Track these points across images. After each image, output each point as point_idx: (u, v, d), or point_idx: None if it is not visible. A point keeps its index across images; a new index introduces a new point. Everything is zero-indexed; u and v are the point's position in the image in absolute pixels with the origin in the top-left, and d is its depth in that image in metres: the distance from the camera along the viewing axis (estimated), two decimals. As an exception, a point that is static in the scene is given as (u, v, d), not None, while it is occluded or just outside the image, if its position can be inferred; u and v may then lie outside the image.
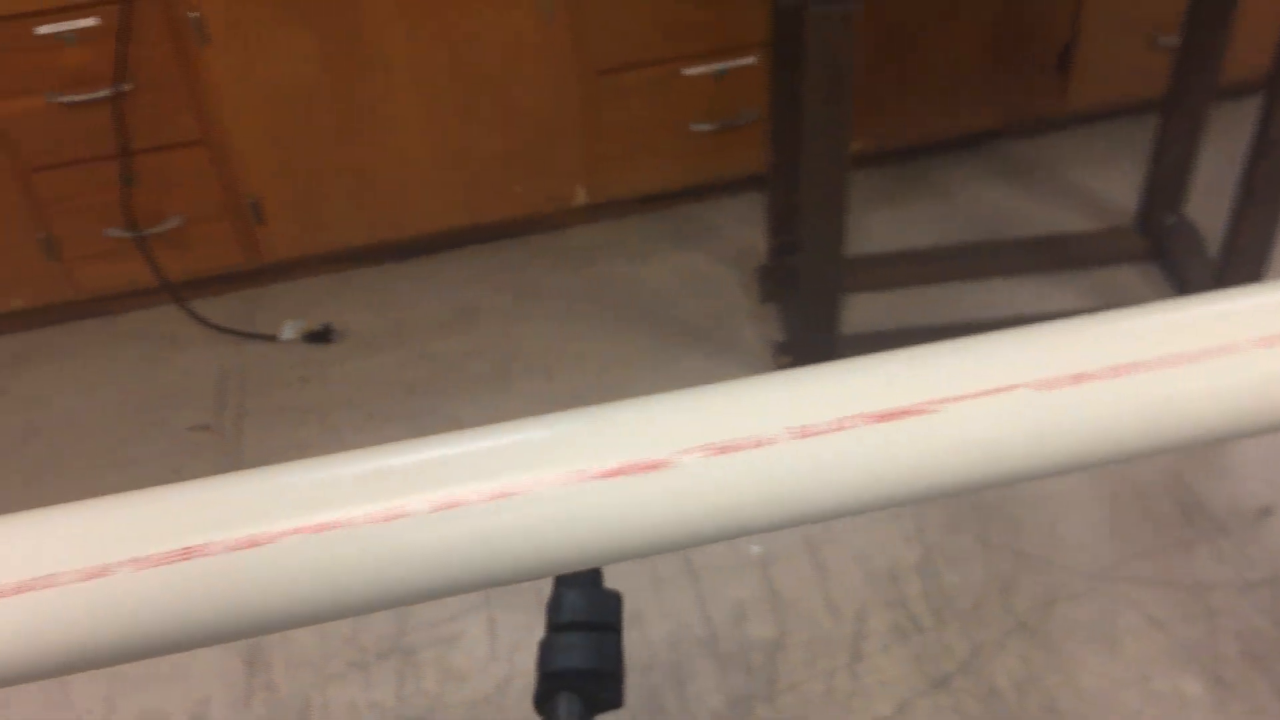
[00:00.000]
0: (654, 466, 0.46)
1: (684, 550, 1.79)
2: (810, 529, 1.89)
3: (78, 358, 2.29)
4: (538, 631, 1.77)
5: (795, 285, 2.20)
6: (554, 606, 0.77)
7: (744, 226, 2.50)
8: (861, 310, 2.21)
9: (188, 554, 0.44)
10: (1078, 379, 0.46)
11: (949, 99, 2.48)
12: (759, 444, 0.47)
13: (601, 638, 0.75)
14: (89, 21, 1.92)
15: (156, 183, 2.13)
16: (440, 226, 2.35)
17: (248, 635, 0.47)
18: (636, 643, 1.75)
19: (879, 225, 2.45)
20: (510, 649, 1.76)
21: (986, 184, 2.59)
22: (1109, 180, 2.53)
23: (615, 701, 0.74)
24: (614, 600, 0.78)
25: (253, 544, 0.45)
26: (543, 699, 0.73)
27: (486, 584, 0.48)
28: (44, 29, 1.92)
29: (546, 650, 0.74)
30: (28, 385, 2.23)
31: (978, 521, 1.88)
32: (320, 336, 2.28)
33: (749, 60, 2.26)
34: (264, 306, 2.37)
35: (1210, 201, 2.21)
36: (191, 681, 1.74)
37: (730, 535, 0.48)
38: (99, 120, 2.02)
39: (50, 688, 1.74)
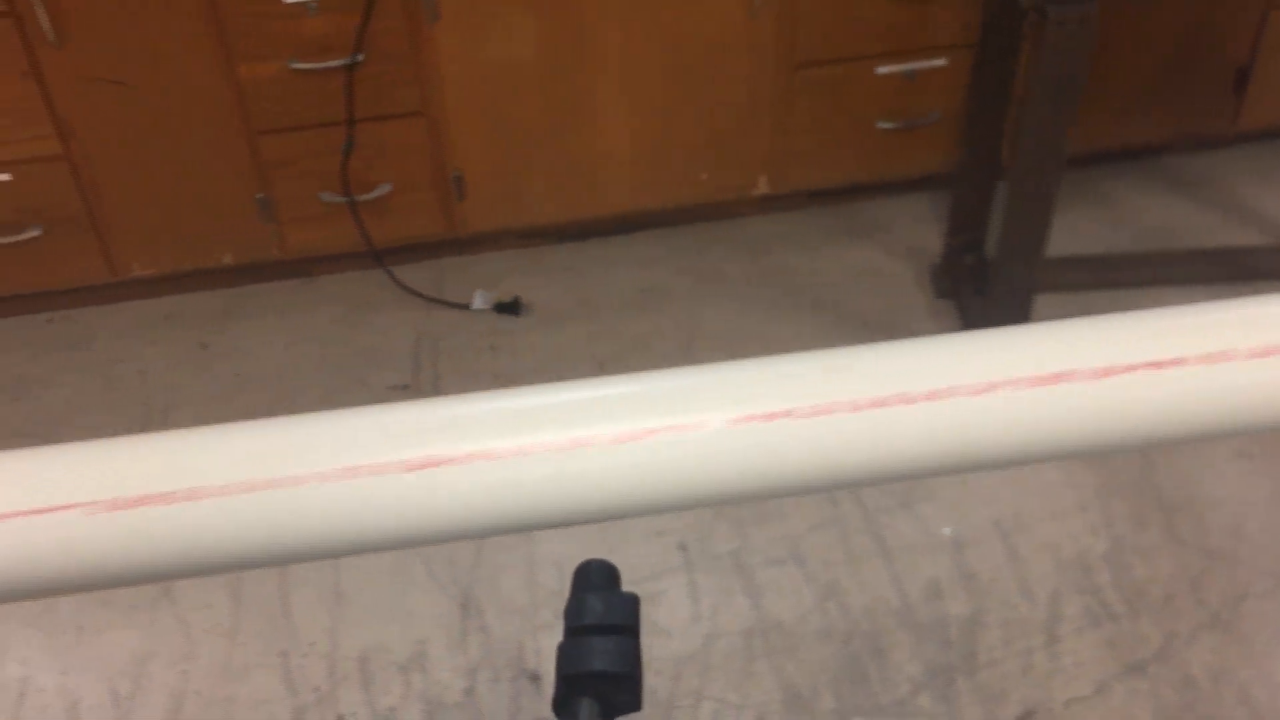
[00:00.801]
0: (819, 411, 0.53)
1: (873, 528, 1.86)
2: (1000, 517, 1.95)
3: (280, 315, 2.40)
4: (738, 596, 1.84)
5: (974, 282, 2.27)
6: (572, 610, 0.76)
7: (916, 224, 2.57)
8: (1039, 312, 2.26)
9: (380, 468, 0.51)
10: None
11: (1123, 111, 2.53)
12: (905, 401, 0.54)
13: (620, 641, 0.75)
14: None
15: (372, 152, 2.23)
16: (628, 208, 2.44)
17: (444, 539, 0.54)
18: (835, 613, 1.82)
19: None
20: (712, 610, 1.83)
21: (1153, 196, 2.63)
22: (1278, 198, 2.57)
23: (634, 705, 0.74)
24: (632, 603, 0.77)
25: (483, 457, 0.53)
26: (562, 703, 0.73)
27: (652, 509, 0.55)
28: (292, -1, 2.04)
29: (565, 654, 0.74)
30: (233, 338, 2.35)
31: (1163, 517, 1.93)
32: (510, 308, 2.37)
33: (940, 62, 2.32)
34: (456, 276, 2.47)
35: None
36: (411, 622, 1.84)
37: (871, 481, 0.55)
38: (328, 88, 2.13)
39: (276, 619, 1.85)
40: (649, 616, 1.83)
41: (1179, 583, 1.85)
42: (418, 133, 2.23)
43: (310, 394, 2.22)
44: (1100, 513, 1.95)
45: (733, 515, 1.98)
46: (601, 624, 0.73)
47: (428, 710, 1.73)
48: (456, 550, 1.94)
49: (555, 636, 1.78)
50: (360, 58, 2.10)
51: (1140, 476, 2.01)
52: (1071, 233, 2.51)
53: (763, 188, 2.46)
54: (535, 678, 1.76)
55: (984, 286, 2.22)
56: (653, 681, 1.74)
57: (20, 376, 2.28)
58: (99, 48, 2.03)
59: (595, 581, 0.77)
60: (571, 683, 0.71)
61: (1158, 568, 1.87)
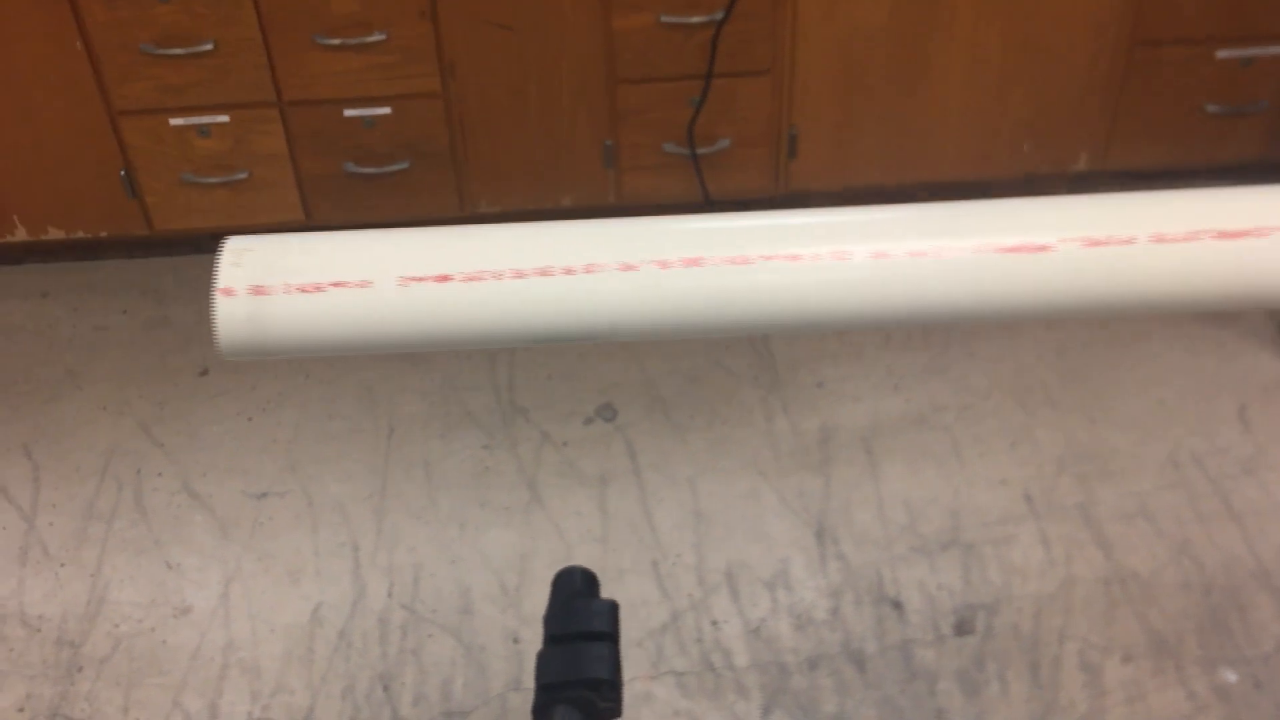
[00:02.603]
0: (1040, 249, 0.61)
1: (1221, 491, 1.89)
2: (1348, 490, 1.97)
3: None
4: (1089, 547, 1.89)
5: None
6: (551, 617, 0.77)
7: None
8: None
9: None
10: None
11: None
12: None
13: (600, 647, 0.75)
14: (713, -48, 2.15)
15: (718, 107, 2.35)
16: (950, 177, 2.51)
17: (730, 333, 0.63)
18: (1190, 569, 1.87)
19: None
20: (1065, 558, 1.90)
21: None
22: None
23: (614, 710, 0.75)
24: (611, 610, 0.77)
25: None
26: (541, 710, 0.73)
27: (899, 322, 0.63)
28: (676, -45, 2.16)
29: (544, 661, 0.74)
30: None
31: None
32: (829, 264, 2.46)
33: (1278, 49, 2.34)
34: (775, 232, 2.58)
35: None
36: (770, 544, 1.94)
37: (1085, 315, 0.63)
38: (689, 43, 2.25)
39: (643, 531, 1.97)
40: (1001, 558, 1.90)
41: None
42: (763, 90, 2.34)
43: (646, 332, 2.35)
44: None
45: (1075, 471, 2.03)
46: (581, 631, 0.75)
47: (797, 624, 1.83)
48: (805, 482, 2.03)
49: (910, 568, 1.87)
50: (723, 15, 2.22)
51: None
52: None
53: (1082, 164, 2.51)
54: (897, 605, 1.85)
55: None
56: (1015, 618, 1.82)
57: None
58: (495, -7, 2.18)
59: (576, 588, 0.79)
60: (551, 690, 0.73)
61: None
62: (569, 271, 0.61)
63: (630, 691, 1.75)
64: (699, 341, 2.32)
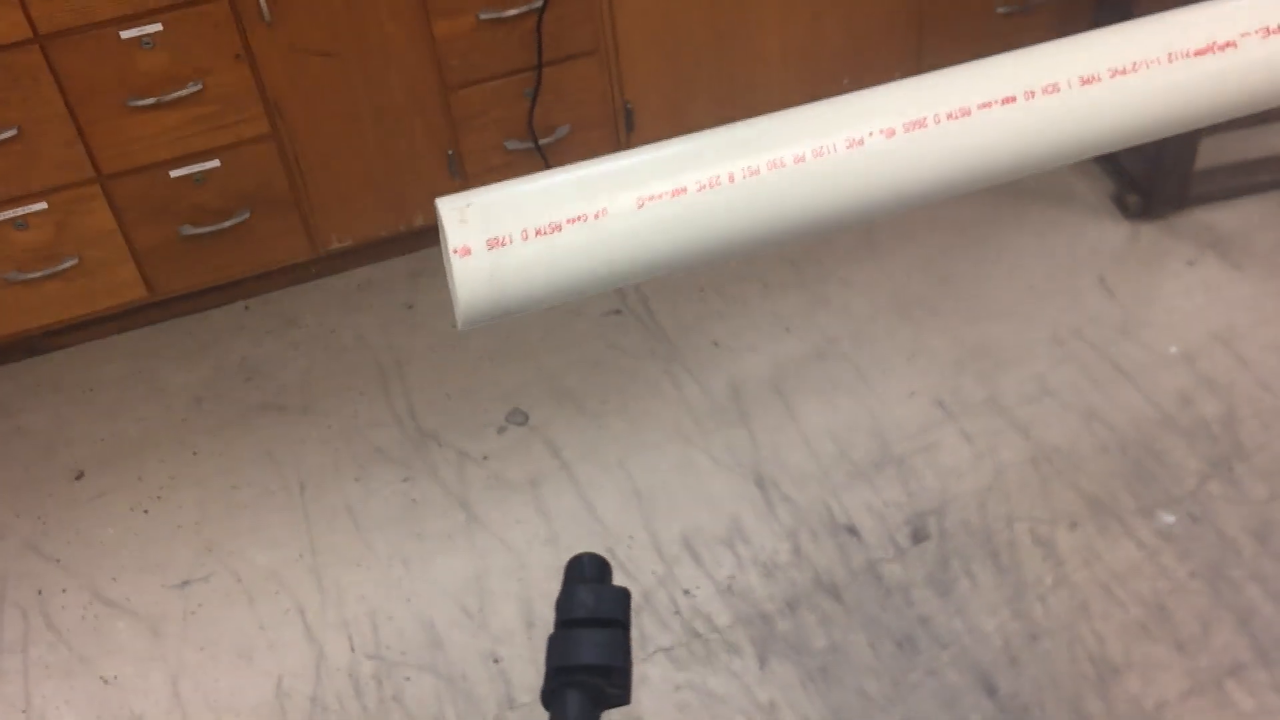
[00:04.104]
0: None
1: (1107, 357, 2.02)
2: (1215, 330, 2.12)
3: (472, 268, 2.50)
4: (1009, 438, 1.98)
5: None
6: (563, 602, 0.77)
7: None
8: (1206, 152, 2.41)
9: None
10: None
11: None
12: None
13: (610, 634, 0.75)
14: (522, -59, 2.14)
15: (551, 96, 2.34)
16: (781, 121, 2.57)
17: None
18: (1103, 432, 1.98)
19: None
20: (989, 449, 1.98)
21: None
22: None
23: (623, 698, 0.75)
24: (622, 596, 0.77)
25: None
26: (551, 694, 0.74)
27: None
28: (483, -49, 2.14)
29: (554, 646, 0.75)
30: (436, 294, 2.44)
31: (1359, 308, 2.13)
32: (689, 228, 2.49)
33: (1052, -57, 2.50)
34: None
35: None
36: (716, 503, 1.96)
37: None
38: (513, 36, 2.23)
39: (588, 523, 1.95)
40: (932, 464, 1.97)
41: (1396, 355, 2.04)
42: (593, 71, 2.34)
43: (533, 331, 2.32)
44: (1303, 312, 2.15)
45: (973, 369, 2.13)
46: (592, 617, 0.75)
47: (764, 572, 1.85)
48: (731, 438, 2.06)
49: (853, 494, 1.92)
50: (541, 3, 2.21)
51: (1324, 278, 2.21)
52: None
53: (898, 85, 2.61)
54: (853, 530, 1.89)
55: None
56: (963, 515, 1.89)
57: (245, 359, 2.34)
58: (309, 20, 2.10)
59: (587, 574, 0.80)
60: (560, 674, 0.73)
61: (1372, 347, 2.06)
62: (799, 159, 0.60)
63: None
64: (587, 329, 2.31)
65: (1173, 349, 2.11)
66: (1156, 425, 1.99)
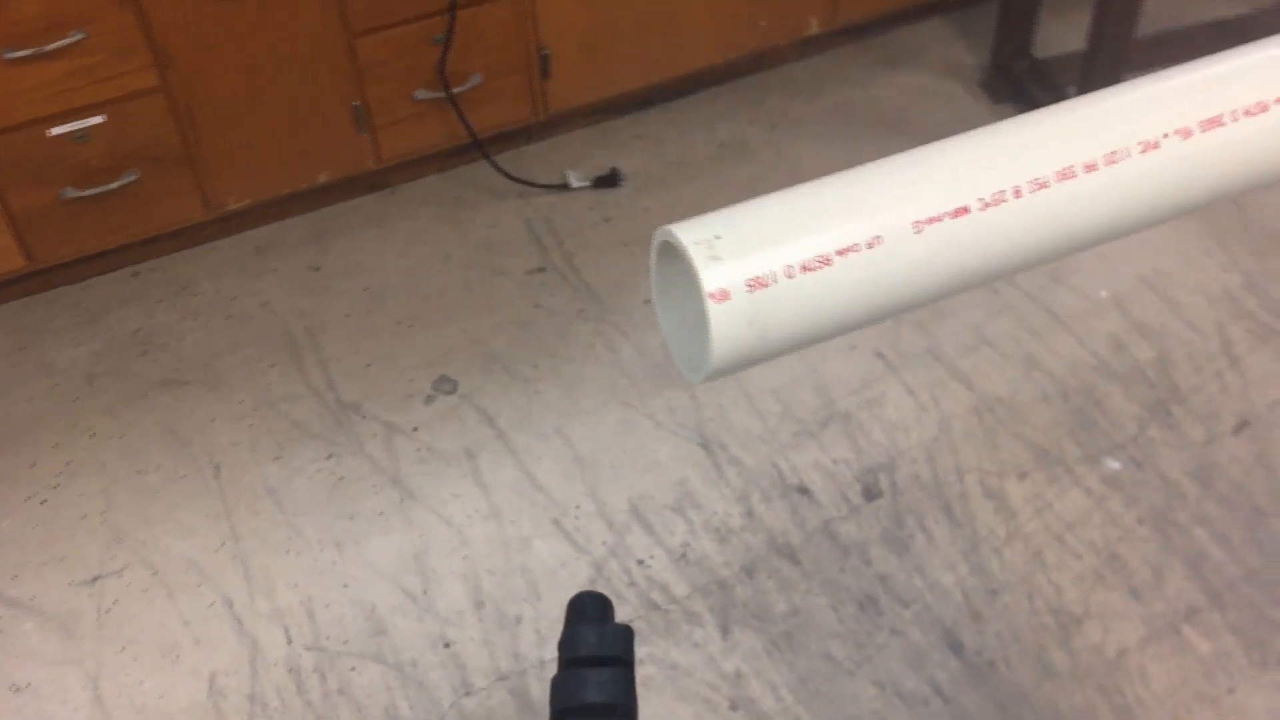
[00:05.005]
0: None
1: (1041, 305, 2.01)
2: (1143, 274, 2.15)
3: (379, 225, 2.36)
4: (950, 386, 1.97)
5: (1033, 84, 2.44)
6: (566, 642, 0.77)
7: (944, 45, 2.72)
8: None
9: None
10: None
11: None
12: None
13: (614, 673, 0.75)
14: (430, -124, 2.00)
15: (463, 42, 2.21)
16: (699, 65, 2.49)
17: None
18: (1043, 380, 1.98)
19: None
20: (933, 401, 1.97)
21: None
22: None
23: None
24: (625, 634, 0.77)
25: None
26: None
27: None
28: (391, -114, 1.98)
29: (559, 686, 0.75)
30: (342, 256, 2.30)
31: (1276, 245, 2.18)
32: (608, 181, 2.40)
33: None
34: (544, 159, 2.48)
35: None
36: (663, 469, 1.89)
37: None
38: (423, -21, 2.10)
39: (531, 494, 1.87)
40: (878, 419, 1.95)
41: (1313, 295, 2.09)
42: (507, 14, 2.22)
43: (454, 291, 2.21)
44: (1223, 253, 2.18)
45: (910, 320, 2.10)
46: (595, 655, 0.75)
47: (718, 538, 1.80)
48: (672, 399, 2.00)
49: (802, 453, 1.88)
50: (455, -59, 2.07)
51: (1238, 217, 2.25)
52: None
53: (814, 28, 2.56)
54: (804, 490, 1.85)
55: (1049, 84, 2.40)
56: (913, 469, 1.87)
57: (138, 330, 2.17)
58: (203, -39, 1.93)
59: (589, 613, 0.79)
60: (566, 715, 0.73)
61: (1290, 287, 2.11)
62: (1089, 168, 0.52)
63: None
64: (511, 289, 2.21)
65: (1103, 293, 2.12)
66: (1094, 371, 2.00)
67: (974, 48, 2.71)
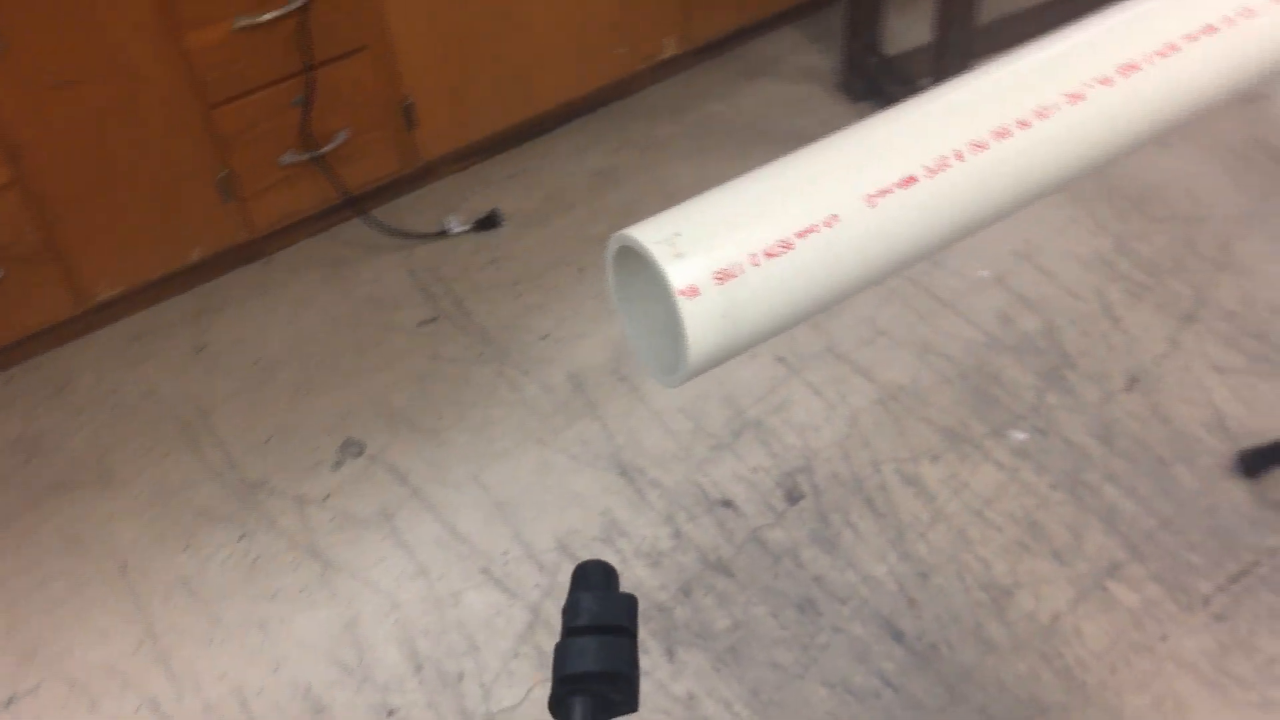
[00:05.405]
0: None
1: (926, 290, 2.07)
2: (1015, 249, 2.22)
3: (261, 295, 2.30)
4: (855, 383, 2.01)
5: (886, 79, 2.51)
6: (569, 610, 0.77)
7: (798, 52, 2.78)
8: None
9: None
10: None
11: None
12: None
13: (616, 641, 0.75)
14: (271, -63, 1.96)
15: (325, 100, 2.17)
16: (563, 99, 2.50)
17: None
18: (940, 363, 2.03)
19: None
20: (839, 397, 2.00)
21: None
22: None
23: (630, 705, 0.75)
24: (629, 603, 0.78)
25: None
26: (557, 702, 0.73)
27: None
28: (230, -49, 1.94)
29: (561, 654, 0.75)
30: (227, 331, 2.23)
31: (1136, 207, 2.27)
32: (489, 222, 2.39)
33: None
34: (421, 208, 2.45)
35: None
36: (584, 501, 1.88)
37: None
38: (275, 40, 2.06)
39: (455, 547, 1.84)
40: (789, 422, 1.97)
41: (1178, 247, 2.19)
42: (367, 68, 2.19)
43: (346, 353, 2.17)
44: (1090, 220, 2.27)
45: (807, 320, 2.13)
46: (598, 624, 0.75)
47: (650, 562, 1.80)
48: (583, 431, 1.99)
49: (720, 466, 1.89)
50: (304, 1, 2.04)
51: (1099, 184, 2.34)
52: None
53: (670, 49, 2.59)
54: (728, 503, 1.86)
55: (901, 78, 2.47)
56: (830, 467, 1.89)
57: (19, 438, 2.07)
58: (45, 47, 1.86)
59: (593, 581, 0.79)
60: (567, 682, 0.73)
61: (1155, 242, 2.20)
62: (1023, 124, 0.52)
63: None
64: (404, 343, 2.18)
65: (984, 273, 2.19)
66: (986, 348, 2.05)
67: (826, 51, 2.78)
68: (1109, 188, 2.33)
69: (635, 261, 0.52)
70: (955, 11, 2.27)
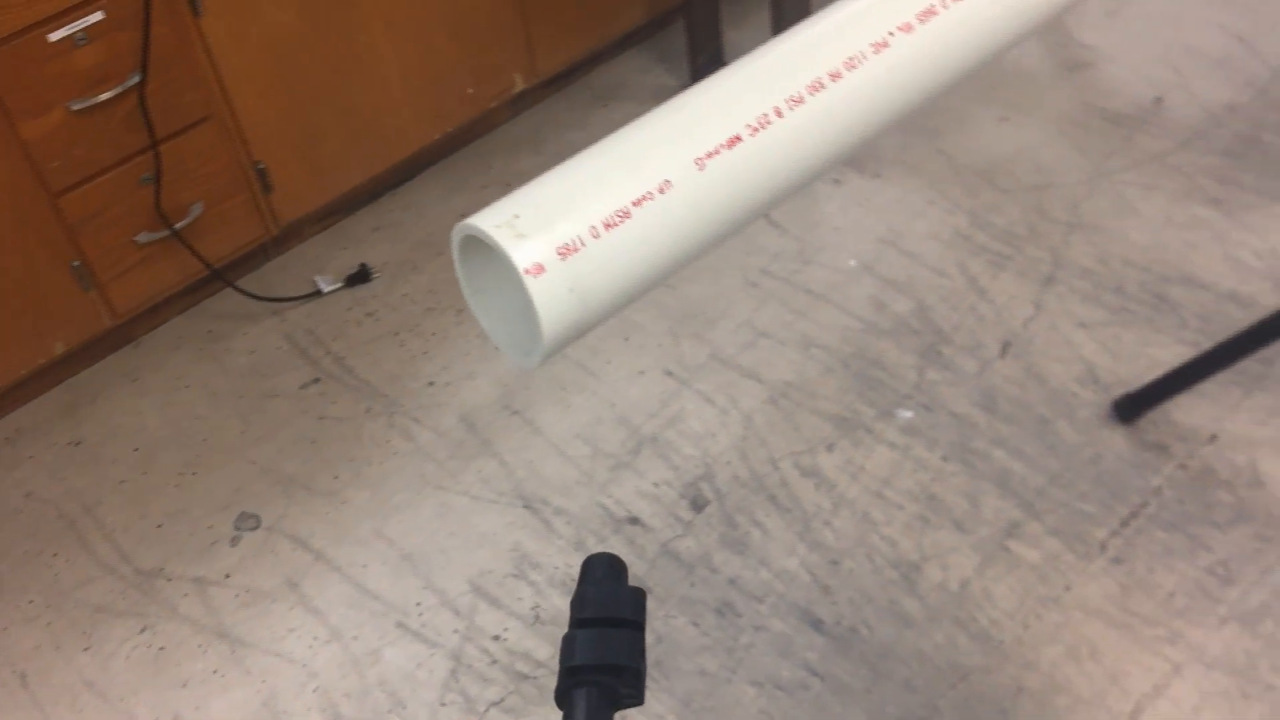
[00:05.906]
0: None
1: (799, 287, 2.12)
2: (880, 236, 2.28)
3: (134, 381, 2.24)
4: (744, 386, 2.05)
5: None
6: (577, 602, 0.78)
7: (644, 73, 2.83)
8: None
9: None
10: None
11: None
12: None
13: (624, 633, 0.75)
14: (96, 16, 1.92)
15: (176, 173, 2.13)
16: (417, 146, 2.49)
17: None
18: (821, 355, 2.07)
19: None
20: (730, 402, 2.02)
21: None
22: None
23: (637, 698, 0.75)
24: (638, 596, 0.78)
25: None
26: (563, 694, 0.74)
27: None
28: (56, 35, 1.90)
29: (568, 645, 0.75)
30: (104, 422, 2.17)
31: (985, 181, 2.36)
32: (360, 277, 2.37)
33: (623, -82, 2.57)
34: (289, 271, 2.42)
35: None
36: (492, 539, 1.87)
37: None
38: (115, 120, 2.01)
39: (367, 605, 1.81)
40: (684, 433, 1.99)
41: (1030, 215, 2.27)
42: (212, 137, 2.16)
43: (229, 426, 2.12)
44: (944, 200, 2.34)
45: (686, 332, 2.16)
46: (606, 616, 0.75)
47: (567, 589, 1.79)
48: (482, 469, 1.98)
49: (622, 486, 1.91)
50: (138, 77, 2.01)
51: (948, 164, 2.42)
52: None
53: (519, 85, 2.60)
54: (635, 520, 1.87)
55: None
56: (730, 471, 1.91)
57: (-107, 561, 1.98)
58: None
59: (601, 574, 0.80)
60: (574, 674, 0.73)
61: (1009, 213, 2.29)
62: (834, 76, 0.53)
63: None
64: (288, 408, 2.14)
65: (852, 263, 2.24)
66: (863, 334, 2.10)
67: (672, 69, 2.83)
68: (957, 166, 2.41)
69: (482, 251, 0.53)
70: (787, 20, 2.34)
